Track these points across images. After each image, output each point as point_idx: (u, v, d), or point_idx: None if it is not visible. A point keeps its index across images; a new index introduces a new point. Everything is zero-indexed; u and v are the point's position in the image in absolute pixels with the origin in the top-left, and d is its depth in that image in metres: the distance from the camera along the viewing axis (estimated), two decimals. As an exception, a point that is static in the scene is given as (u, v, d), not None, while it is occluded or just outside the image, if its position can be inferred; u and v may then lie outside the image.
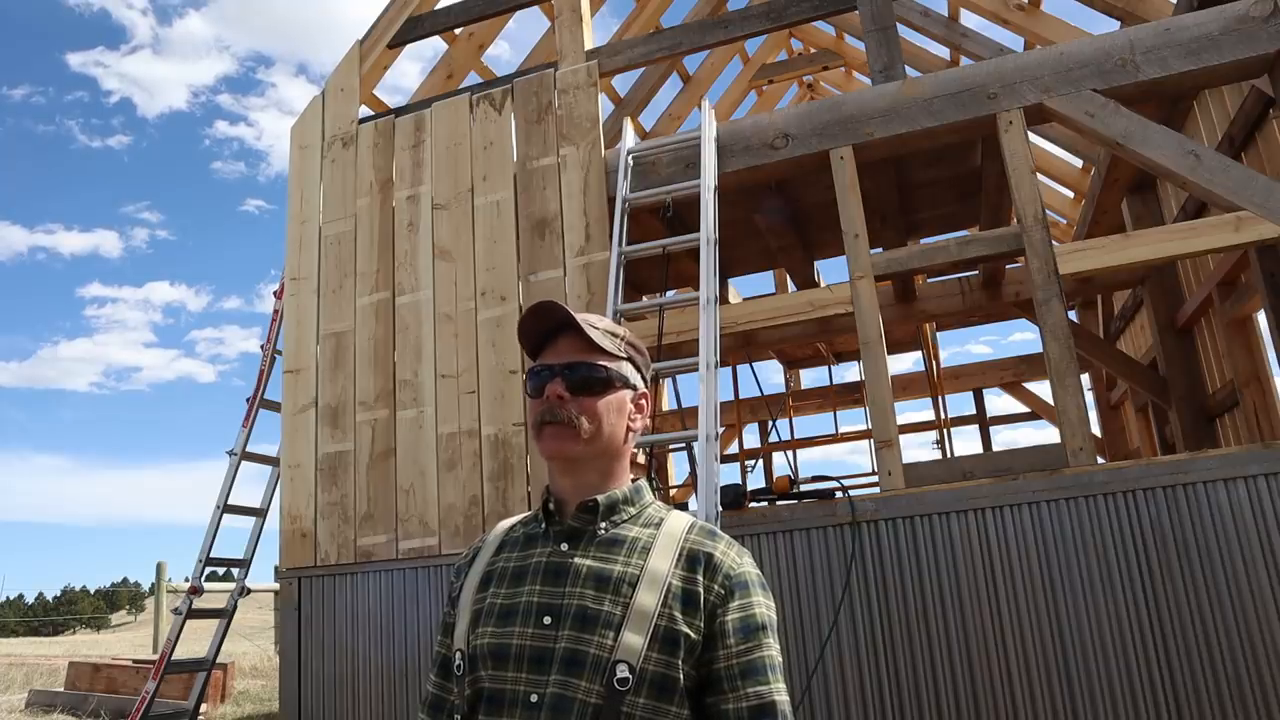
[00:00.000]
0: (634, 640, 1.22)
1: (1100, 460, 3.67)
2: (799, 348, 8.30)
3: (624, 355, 1.39)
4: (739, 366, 8.42)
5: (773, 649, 1.28)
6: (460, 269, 4.71)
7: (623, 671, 1.20)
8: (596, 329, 1.37)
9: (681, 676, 1.22)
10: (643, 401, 1.42)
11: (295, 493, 4.71)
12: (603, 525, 1.34)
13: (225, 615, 5.70)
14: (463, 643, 1.34)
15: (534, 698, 1.22)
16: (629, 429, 1.39)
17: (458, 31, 5.78)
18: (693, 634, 1.24)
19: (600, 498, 1.34)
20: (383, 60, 5.43)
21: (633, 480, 1.41)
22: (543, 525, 1.38)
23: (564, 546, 1.33)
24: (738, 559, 1.32)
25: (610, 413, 1.36)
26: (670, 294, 5.78)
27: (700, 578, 1.28)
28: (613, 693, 1.20)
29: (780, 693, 1.25)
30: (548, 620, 1.26)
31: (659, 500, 1.43)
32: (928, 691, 3.46)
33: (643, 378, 1.43)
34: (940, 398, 7.88)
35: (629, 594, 1.25)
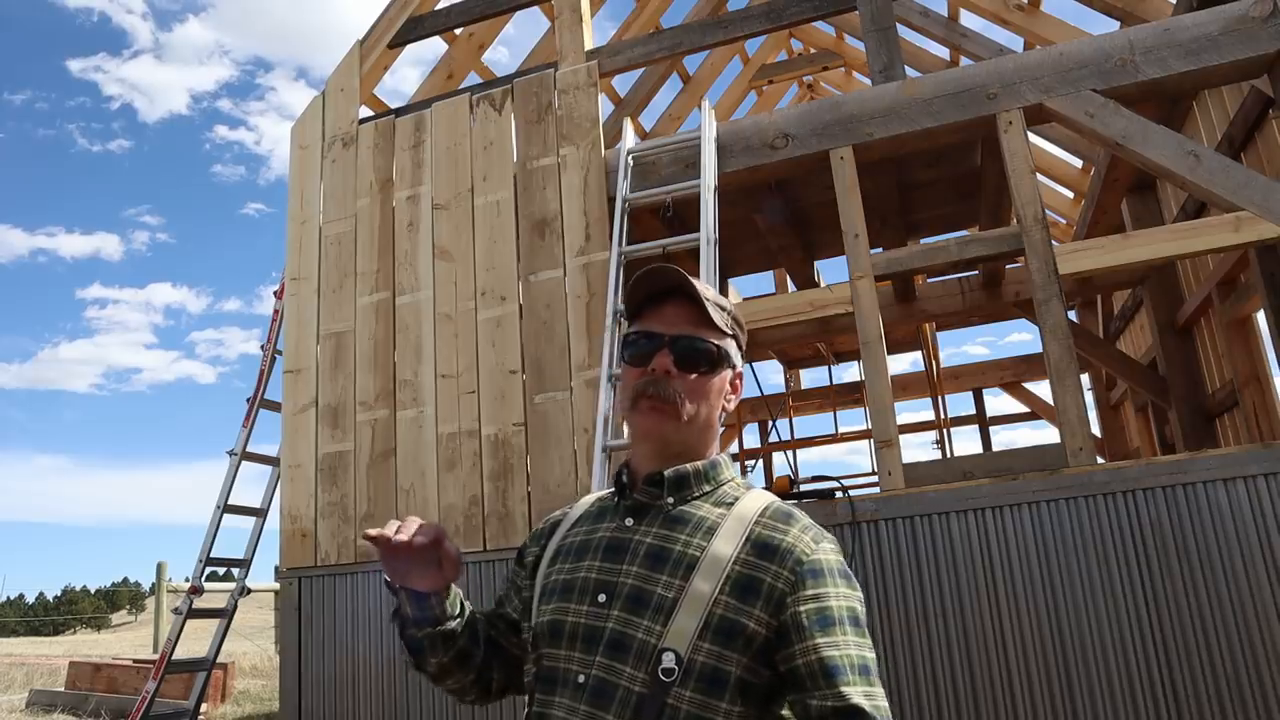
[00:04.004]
0: (685, 627, 1.12)
1: (1100, 460, 3.67)
2: (799, 348, 8.30)
3: (730, 332, 1.30)
4: (739, 366, 8.41)
5: (854, 646, 1.12)
6: (460, 269, 4.71)
7: (669, 661, 1.11)
8: (708, 300, 1.26)
9: (736, 669, 1.12)
10: (738, 381, 1.33)
11: (295, 493, 4.71)
12: (670, 500, 1.24)
13: (225, 615, 5.70)
14: (532, 620, 1.29)
15: (581, 679, 1.16)
16: (723, 409, 1.31)
17: (458, 32, 5.78)
18: (753, 625, 1.13)
19: (667, 472, 1.25)
20: (383, 61, 5.43)
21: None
22: (615, 499, 1.31)
23: (629, 522, 1.25)
24: (812, 545, 1.18)
25: (712, 393, 1.27)
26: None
27: (768, 564, 1.16)
28: (658, 683, 1.11)
29: (869, 696, 1.09)
30: (602, 598, 1.19)
31: (739, 478, 1.32)
32: (928, 691, 3.46)
33: (741, 356, 1.34)
34: (940, 398, 7.89)
35: (686, 577, 1.16)
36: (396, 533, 1.22)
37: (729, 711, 1.11)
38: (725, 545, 1.18)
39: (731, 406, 1.33)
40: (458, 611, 1.33)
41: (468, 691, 1.39)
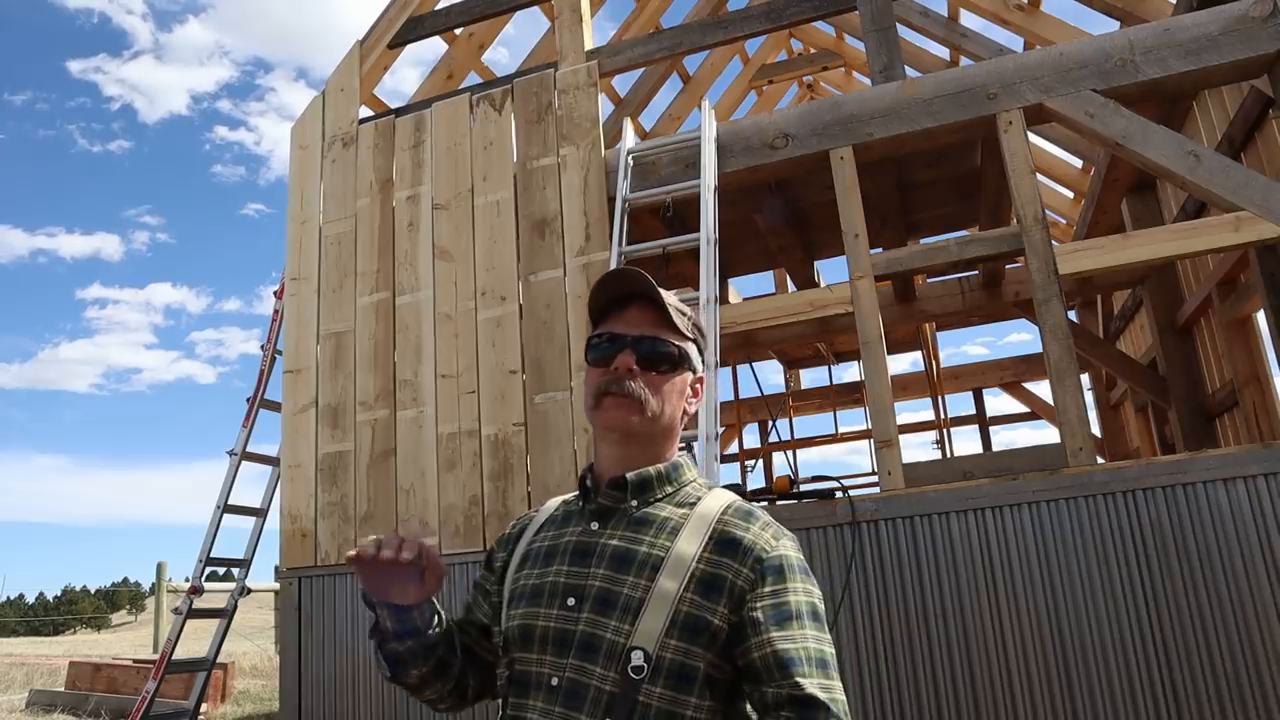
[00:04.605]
0: (652, 626, 1.16)
1: (1100, 460, 3.67)
2: (799, 348, 8.30)
3: (691, 336, 1.34)
4: (739, 366, 8.43)
5: (812, 640, 1.16)
6: (460, 269, 4.71)
7: (638, 659, 1.14)
8: (670, 304, 1.31)
9: (703, 665, 1.15)
10: (699, 385, 1.37)
11: (295, 493, 4.71)
12: (634, 503, 1.27)
13: (225, 615, 5.70)
14: (501, 624, 1.31)
15: (555, 681, 1.19)
16: (684, 412, 1.34)
17: (458, 32, 5.78)
18: (717, 621, 1.16)
19: (630, 475, 1.28)
20: (383, 61, 5.43)
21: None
22: (580, 503, 1.34)
23: (594, 525, 1.28)
24: (772, 542, 1.22)
25: (674, 394, 1.30)
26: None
27: (729, 561, 1.19)
28: (629, 681, 1.14)
29: (825, 689, 1.11)
30: (571, 601, 1.22)
31: (700, 479, 1.36)
32: (928, 691, 3.46)
33: (702, 361, 1.38)
34: (940, 398, 7.89)
35: (651, 577, 1.19)
36: (379, 551, 1.23)
37: (698, 706, 1.15)
38: (688, 544, 1.21)
39: (693, 410, 1.36)
40: (436, 622, 1.34)
41: (444, 700, 1.40)
